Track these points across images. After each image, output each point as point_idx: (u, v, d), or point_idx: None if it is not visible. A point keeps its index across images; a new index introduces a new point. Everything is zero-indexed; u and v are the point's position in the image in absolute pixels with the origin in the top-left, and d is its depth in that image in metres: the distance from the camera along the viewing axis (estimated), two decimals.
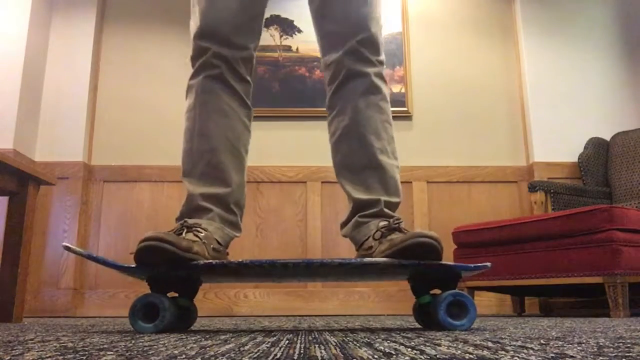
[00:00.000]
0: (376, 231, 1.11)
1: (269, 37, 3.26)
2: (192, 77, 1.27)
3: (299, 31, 3.28)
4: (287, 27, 3.29)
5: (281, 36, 3.27)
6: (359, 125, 1.23)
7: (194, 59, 1.26)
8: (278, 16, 3.29)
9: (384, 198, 1.18)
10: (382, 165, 1.21)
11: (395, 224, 1.11)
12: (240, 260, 1.01)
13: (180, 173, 1.24)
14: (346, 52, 1.24)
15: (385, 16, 3.26)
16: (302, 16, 3.30)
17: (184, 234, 1.05)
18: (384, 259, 1.02)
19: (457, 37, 3.34)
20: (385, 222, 1.13)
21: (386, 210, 1.18)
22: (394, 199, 1.21)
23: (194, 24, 1.26)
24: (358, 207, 1.19)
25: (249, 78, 1.29)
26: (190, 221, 1.12)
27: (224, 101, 1.24)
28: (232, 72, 1.25)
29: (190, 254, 1.00)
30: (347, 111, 1.24)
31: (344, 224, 1.24)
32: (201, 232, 1.08)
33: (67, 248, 1.01)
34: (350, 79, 1.25)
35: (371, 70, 1.25)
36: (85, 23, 3.17)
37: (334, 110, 1.28)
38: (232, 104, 1.25)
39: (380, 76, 1.27)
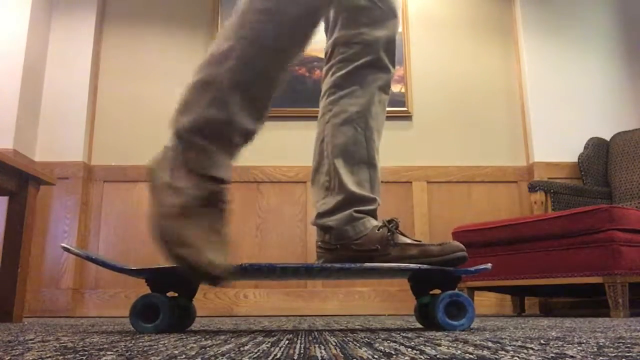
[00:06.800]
0: (385, 233, 1.10)
1: None
2: None
3: None
4: None
5: None
6: (370, 117, 1.19)
7: None
8: None
9: (378, 199, 1.18)
10: (375, 165, 1.20)
11: (393, 226, 1.11)
12: (240, 263, 1.01)
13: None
14: (385, 39, 1.21)
15: None
16: None
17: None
18: (383, 264, 1.04)
19: (457, 37, 3.34)
20: (383, 224, 1.12)
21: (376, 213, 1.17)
22: (379, 201, 1.21)
23: None
24: (352, 200, 1.14)
25: None
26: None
27: None
28: None
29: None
30: (364, 98, 1.19)
31: (326, 214, 1.15)
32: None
33: (66, 249, 1.01)
34: (375, 68, 1.20)
35: (392, 70, 1.24)
36: (85, 23, 3.17)
37: (344, 90, 1.19)
38: None
39: (391, 79, 1.27)
